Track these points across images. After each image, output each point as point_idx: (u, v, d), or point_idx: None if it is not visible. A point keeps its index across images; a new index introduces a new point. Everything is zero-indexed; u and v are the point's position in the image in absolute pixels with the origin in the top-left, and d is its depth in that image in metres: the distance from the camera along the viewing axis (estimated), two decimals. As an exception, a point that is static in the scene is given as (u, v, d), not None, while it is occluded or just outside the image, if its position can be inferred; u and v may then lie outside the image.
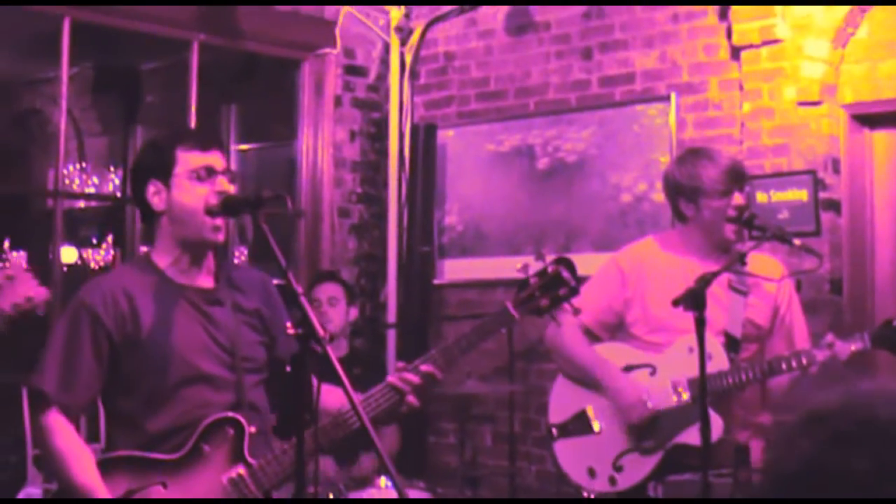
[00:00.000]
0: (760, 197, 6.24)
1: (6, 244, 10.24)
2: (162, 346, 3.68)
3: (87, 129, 10.26)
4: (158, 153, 3.77)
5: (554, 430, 4.94)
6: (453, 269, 7.68)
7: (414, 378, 3.81)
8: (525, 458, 7.05)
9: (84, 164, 10.28)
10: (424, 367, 3.82)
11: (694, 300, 4.05)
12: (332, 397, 3.77)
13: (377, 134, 7.94)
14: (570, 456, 4.90)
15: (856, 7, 6.11)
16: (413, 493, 5.47)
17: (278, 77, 8.10)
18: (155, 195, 3.74)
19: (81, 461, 3.63)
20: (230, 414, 3.68)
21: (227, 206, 3.66)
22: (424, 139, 7.57)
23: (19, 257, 9.61)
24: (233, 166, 9.01)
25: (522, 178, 7.38)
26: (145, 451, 3.66)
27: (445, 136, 7.69)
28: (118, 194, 10.17)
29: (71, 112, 10.09)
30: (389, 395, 3.83)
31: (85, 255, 10.60)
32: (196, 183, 3.69)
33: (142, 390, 3.69)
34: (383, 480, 5.45)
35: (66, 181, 10.20)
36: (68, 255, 10.26)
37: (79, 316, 3.70)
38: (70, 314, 3.74)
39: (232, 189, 3.76)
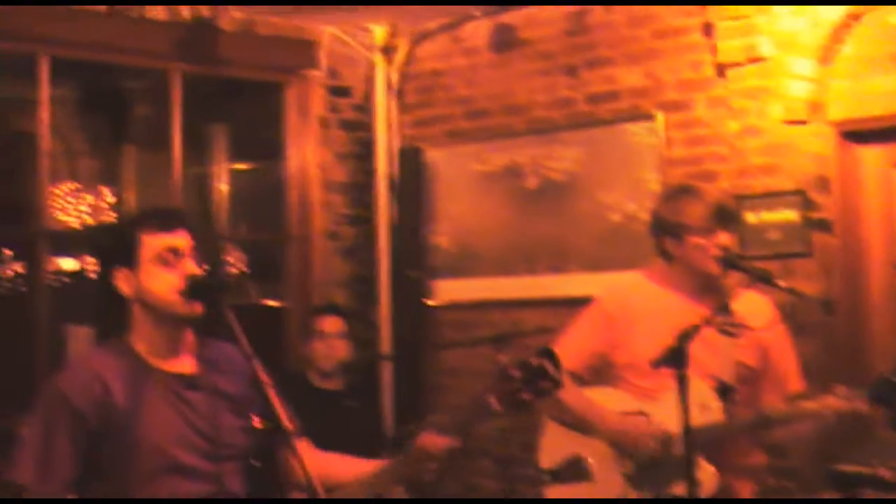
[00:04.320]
0: (750, 218, 6.16)
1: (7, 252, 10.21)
2: (136, 434, 3.60)
3: (77, 148, 10.17)
4: (122, 239, 3.71)
5: (545, 476, 4.87)
6: (446, 290, 7.61)
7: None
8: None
9: (77, 185, 10.20)
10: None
11: (674, 358, 3.96)
12: (338, 467, 3.79)
13: (364, 154, 7.85)
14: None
15: (841, 23, 6.01)
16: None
17: (265, 97, 8.02)
18: (123, 282, 3.68)
19: None
20: (206, 507, 3.61)
21: (193, 291, 3.60)
22: (411, 162, 7.51)
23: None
24: (224, 187, 9.00)
25: (511, 198, 7.31)
26: (117, 542, 3.60)
27: (433, 156, 7.62)
28: (113, 214, 10.10)
29: (60, 132, 10.03)
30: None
31: (84, 266, 10.52)
32: (163, 268, 3.63)
33: (116, 479, 3.62)
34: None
35: (60, 201, 10.18)
36: (68, 264, 10.23)
37: (54, 403, 3.64)
38: (45, 402, 3.68)
39: (198, 270, 3.69)
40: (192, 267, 3.63)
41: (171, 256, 3.63)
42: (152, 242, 3.64)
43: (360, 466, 3.88)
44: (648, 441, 4.59)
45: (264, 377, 3.32)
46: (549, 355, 3.74)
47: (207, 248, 9.07)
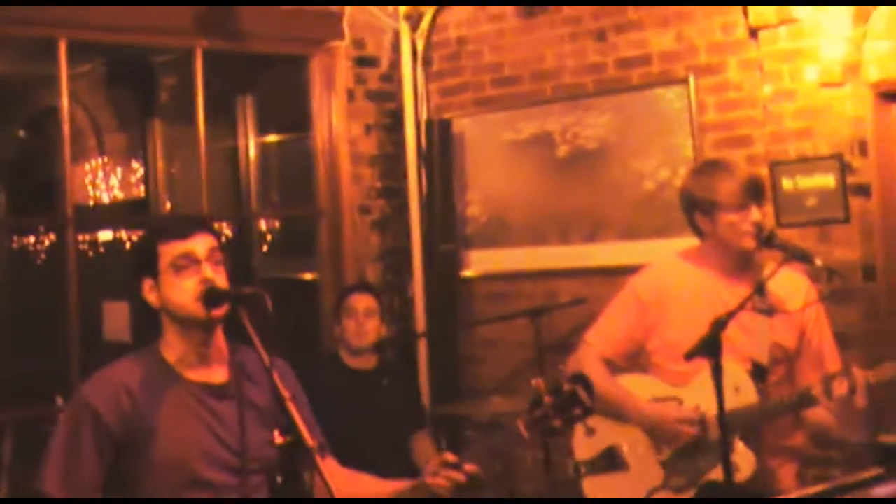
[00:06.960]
0: (786, 184, 6.02)
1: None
2: (161, 448, 3.57)
3: (104, 124, 10.13)
4: (144, 251, 3.70)
5: (582, 468, 4.79)
6: (479, 261, 7.51)
7: (459, 476, 3.64)
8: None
9: (105, 159, 10.18)
10: (470, 467, 3.65)
11: (708, 348, 3.83)
12: (361, 486, 3.78)
13: (393, 125, 7.72)
14: (601, 494, 4.76)
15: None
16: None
17: (292, 68, 7.90)
18: (150, 293, 3.67)
19: None
20: (228, 523, 3.55)
21: (209, 299, 3.54)
22: (440, 133, 7.39)
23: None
24: (254, 158, 8.93)
25: (543, 167, 7.18)
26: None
27: (462, 125, 7.50)
28: (142, 187, 10.06)
29: (87, 108, 9.98)
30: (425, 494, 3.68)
31: (118, 236, 10.55)
32: (178, 276, 3.59)
33: (140, 492, 3.59)
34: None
35: (90, 177, 10.18)
36: (105, 235, 10.29)
37: (81, 415, 3.62)
38: (72, 412, 3.67)
39: (216, 275, 3.62)
40: (208, 272, 3.58)
41: (186, 262, 3.60)
42: (168, 251, 3.63)
43: (384, 486, 3.81)
44: (683, 428, 4.51)
45: (284, 391, 3.24)
46: (583, 381, 3.62)
47: (237, 225, 9.04)
